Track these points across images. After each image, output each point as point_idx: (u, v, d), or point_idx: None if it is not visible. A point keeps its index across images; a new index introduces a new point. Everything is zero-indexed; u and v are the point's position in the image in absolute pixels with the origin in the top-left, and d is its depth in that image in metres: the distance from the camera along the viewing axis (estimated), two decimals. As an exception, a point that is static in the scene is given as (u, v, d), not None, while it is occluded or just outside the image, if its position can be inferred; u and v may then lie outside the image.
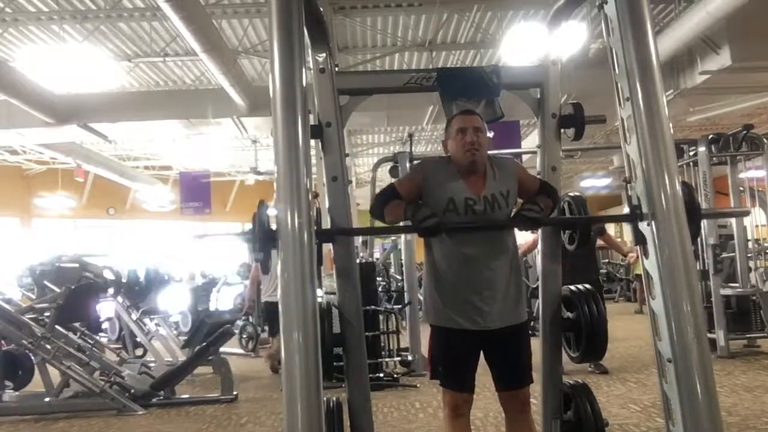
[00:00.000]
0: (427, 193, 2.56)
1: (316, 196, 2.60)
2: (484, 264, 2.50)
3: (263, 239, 2.01)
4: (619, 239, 20.46)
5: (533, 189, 2.63)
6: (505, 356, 2.57)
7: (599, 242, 6.98)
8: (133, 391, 5.60)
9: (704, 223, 6.77)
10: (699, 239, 6.75)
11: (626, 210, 2.28)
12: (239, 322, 9.09)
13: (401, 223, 2.60)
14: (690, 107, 10.05)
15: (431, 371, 2.66)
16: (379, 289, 8.30)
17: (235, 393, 5.77)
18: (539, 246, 2.95)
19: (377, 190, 9.06)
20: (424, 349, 6.01)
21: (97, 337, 7.49)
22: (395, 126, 12.80)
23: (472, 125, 2.55)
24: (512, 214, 2.59)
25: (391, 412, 5.07)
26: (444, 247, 2.55)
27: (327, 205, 2.72)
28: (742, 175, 7.00)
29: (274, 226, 1.99)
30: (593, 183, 19.16)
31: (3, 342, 6.12)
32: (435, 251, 2.59)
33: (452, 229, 2.49)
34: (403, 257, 7.81)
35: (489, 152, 2.64)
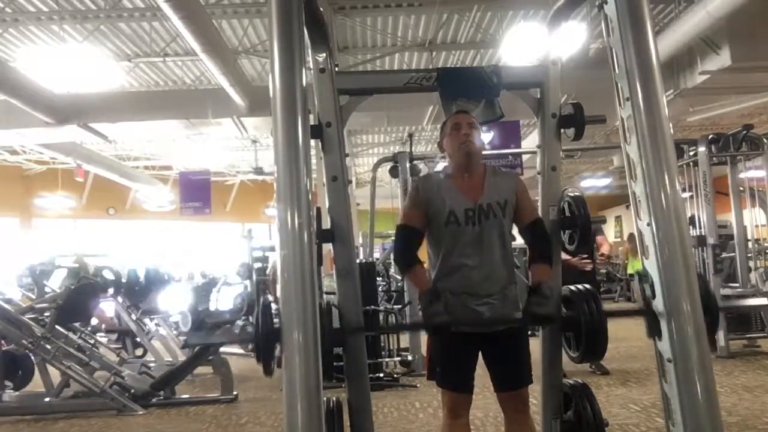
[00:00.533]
0: (431, 210, 2.60)
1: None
2: (484, 272, 2.53)
3: (267, 341, 1.95)
4: (618, 239, 20.50)
5: (525, 218, 2.63)
6: (504, 357, 2.58)
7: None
8: (133, 391, 5.60)
9: (704, 222, 6.79)
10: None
11: (631, 211, 2.27)
12: (239, 322, 9.08)
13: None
14: (690, 107, 10.04)
15: (429, 372, 2.67)
16: (379, 289, 8.30)
17: (235, 393, 5.77)
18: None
19: (377, 191, 9.10)
20: (424, 349, 6.01)
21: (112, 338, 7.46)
22: (395, 126, 12.80)
23: (465, 121, 2.62)
24: (510, 227, 2.62)
25: (391, 412, 5.07)
26: (444, 250, 2.57)
27: (327, 205, 2.72)
28: (742, 175, 7.00)
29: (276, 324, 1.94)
30: (593, 183, 19.14)
31: (3, 342, 6.11)
32: (433, 254, 2.62)
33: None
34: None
35: (492, 160, 2.65)
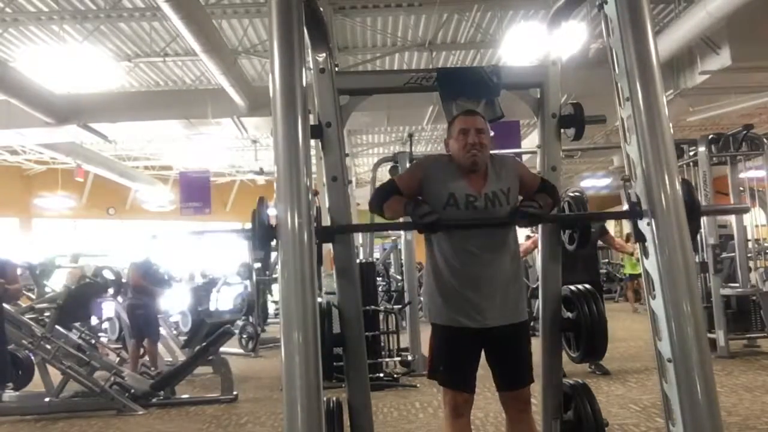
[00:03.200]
0: (427, 189, 2.55)
1: (315, 193, 2.59)
2: (485, 261, 2.50)
3: (263, 237, 2.01)
4: (618, 239, 20.47)
5: (533, 187, 2.62)
6: (506, 356, 2.57)
7: (599, 243, 6.97)
8: (133, 391, 5.60)
9: (704, 222, 6.79)
10: (699, 238, 6.76)
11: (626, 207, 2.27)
12: (239, 322, 9.09)
13: (401, 219, 2.59)
14: (690, 107, 10.03)
15: (430, 370, 2.66)
16: (380, 289, 8.30)
17: (235, 393, 5.77)
18: (539, 246, 2.95)
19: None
20: (425, 349, 6.01)
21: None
22: (395, 126, 12.79)
23: (474, 126, 2.54)
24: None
25: (391, 412, 5.07)
26: (444, 244, 2.54)
27: (327, 204, 2.72)
28: (742, 175, 7.00)
29: (274, 223, 1.99)
30: (593, 183, 19.14)
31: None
32: (435, 249, 2.58)
33: (452, 225, 2.48)
34: (403, 257, 7.81)
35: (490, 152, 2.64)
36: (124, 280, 7.81)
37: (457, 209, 2.50)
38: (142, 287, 7.13)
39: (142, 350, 7.98)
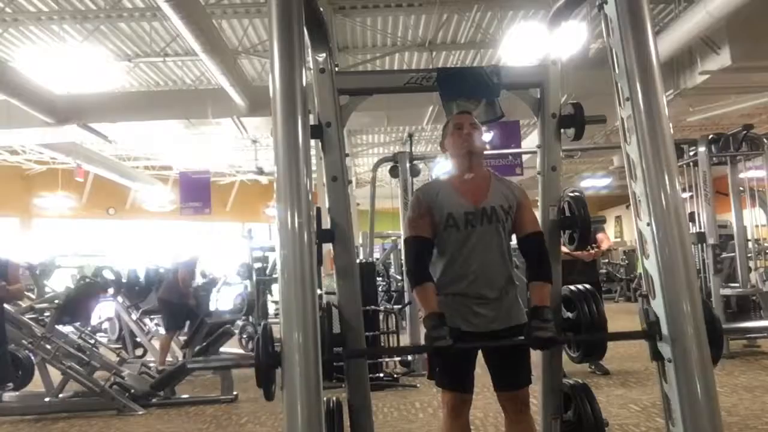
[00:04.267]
0: (433, 216, 2.58)
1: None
2: (482, 269, 2.53)
3: (267, 367, 1.94)
4: (618, 239, 20.51)
5: (525, 228, 2.60)
6: (504, 357, 2.58)
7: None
8: (133, 391, 5.60)
9: (704, 222, 6.79)
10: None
11: (631, 211, 2.27)
12: (239, 322, 9.09)
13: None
14: (690, 107, 10.04)
15: (429, 371, 2.67)
16: (379, 289, 8.30)
17: (235, 393, 5.77)
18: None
19: (377, 191, 9.09)
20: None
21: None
22: (395, 126, 12.80)
23: (467, 121, 2.65)
24: (511, 234, 2.61)
25: (391, 412, 5.07)
26: (444, 253, 2.58)
27: (327, 205, 2.72)
28: (742, 175, 7.00)
29: (278, 348, 1.92)
30: (593, 183, 19.15)
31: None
32: (435, 259, 2.62)
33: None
34: (403, 257, 7.81)
35: (492, 160, 2.65)
36: (124, 280, 7.84)
37: (458, 230, 2.54)
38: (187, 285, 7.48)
39: (142, 350, 8.02)
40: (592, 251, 6.15)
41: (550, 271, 2.60)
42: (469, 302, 2.53)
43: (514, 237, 2.69)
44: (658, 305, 2.11)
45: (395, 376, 6.26)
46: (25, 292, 8.54)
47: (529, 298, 2.54)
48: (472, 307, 2.52)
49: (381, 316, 6.62)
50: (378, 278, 8.40)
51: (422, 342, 2.52)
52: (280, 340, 1.91)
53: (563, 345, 2.86)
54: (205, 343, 6.06)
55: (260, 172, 14.27)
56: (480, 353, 2.61)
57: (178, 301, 7.39)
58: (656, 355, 2.16)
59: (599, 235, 6.64)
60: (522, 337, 2.46)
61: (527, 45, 7.40)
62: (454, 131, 2.64)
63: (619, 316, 11.21)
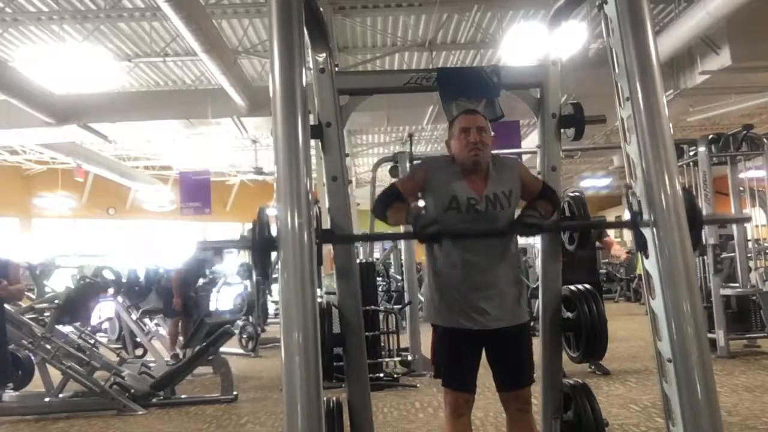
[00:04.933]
0: (429, 191, 2.56)
1: (316, 202, 2.59)
2: (485, 265, 2.51)
3: (263, 246, 1.99)
4: (618, 240, 20.52)
5: (535, 190, 2.62)
6: (507, 356, 2.58)
7: (597, 243, 6.97)
8: (133, 391, 5.60)
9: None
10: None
11: (627, 215, 2.26)
12: (239, 322, 9.09)
13: (401, 229, 2.58)
14: (690, 107, 10.04)
15: (435, 370, 2.67)
16: (379, 289, 8.29)
17: (235, 393, 5.77)
18: (539, 246, 2.95)
19: (377, 191, 9.07)
20: (425, 349, 6.01)
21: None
22: (395, 126, 12.80)
23: (475, 125, 2.54)
24: (514, 215, 2.59)
25: (391, 412, 5.07)
26: (445, 248, 2.55)
27: (327, 205, 2.72)
28: (742, 175, 7.00)
29: (274, 231, 1.97)
30: (593, 183, 19.16)
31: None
32: (435, 252, 2.59)
33: (454, 236, 2.49)
34: (403, 257, 7.81)
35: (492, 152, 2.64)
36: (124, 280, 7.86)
37: (459, 212, 2.51)
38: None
39: (142, 350, 8.02)
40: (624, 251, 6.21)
41: (558, 202, 2.67)
42: (471, 296, 2.50)
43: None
44: (658, 305, 2.11)
45: (395, 376, 6.25)
46: (26, 293, 8.57)
47: (530, 309, 2.55)
48: (473, 302, 2.49)
49: (381, 316, 6.62)
50: (378, 278, 8.38)
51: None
52: (280, 336, 1.91)
53: (562, 339, 2.85)
54: (205, 343, 6.06)
55: (259, 171, 14.28)
56: (483, 353, 2.60)
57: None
58: (640, 245, 2.16)
59: (606, 239, 6.66)
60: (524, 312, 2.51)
61: (527, 45, 7.40)
62: (460, 134, 2.55)
63: (620, 317, 11.23)
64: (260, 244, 2.00)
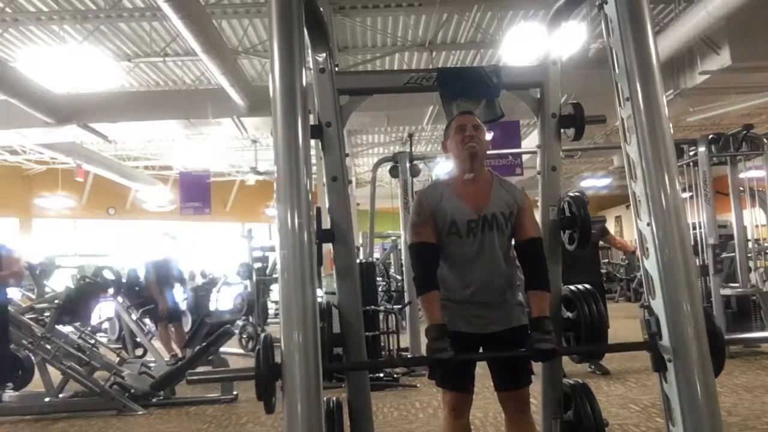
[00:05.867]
0: (436, 220, 2.57)
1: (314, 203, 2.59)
2: (483, 270, 2.54)
3: (267, 378, 1.95)
4: (619, 238, 20.52)
5: (525, 234, 2.57)
6: (505, 357, 2.58)
7: (600, 243, 6.98)
8: (133, 391, 5.60)
9: (704, 222, 6.79)
10: (699, 239, 6.77)
11: (631, 211, 2.27)
12: (239, 322, 9.09)
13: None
14: (690, 107, 10.03)
15: (430, 371, 2.68)
16: (379, 289, 8.30)
17: (235, 393, 5.77)
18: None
19: (377, 191, 9.09)
20: (425, 349, 6.01)
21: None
22: (395, 126, 12.80)
23: (470, 122, 2.59)
24: (512, 240, 2.60)
25: (391, 412, 5.07)
26: (445, 259, 2.58)
27: (327, 205, 2.72)
28: (742, 175, 7.00)
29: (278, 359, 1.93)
30: (593, 183, 19.14)
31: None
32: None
33: (460, 363, 2.48)
34: (403, 257, 7.81)
35: (492, 160, 2.65)
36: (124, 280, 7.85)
37: (459, 237, 2.53)
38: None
39: (142, 350, 8.02)
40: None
41: (548, 279, 2.58)
42: (472, 308, 2.54)
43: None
44: (658, 305, 2.11)
45: (395, 376, 6.25)
46: (25, 293, 8.57)
47: (528, 309, 2.54)
48: (472, 309, 2.54)
49: (381, 316, 6.62)
50: (378, 278, 8.39)
51: (423, 350, 2.51)
52: (280, 342, 1.91)
53: (562, 339, 2.85)
54: (205, 343, 6.05)
55: (256, 172, 14.28)
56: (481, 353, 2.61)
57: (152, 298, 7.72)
58: (658, 366, 2.12)
59: (609, 237, 6.67)
60: (523, 349, 2.46)
61: (527, 45, 7.40)
62: (457, 132, 2.59)
63: (619, 316, 11.22)
64: (265, 372, 1.94)
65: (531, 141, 10.00)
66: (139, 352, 8.03)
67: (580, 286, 2.86)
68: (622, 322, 10.15)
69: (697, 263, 6.50)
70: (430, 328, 2.43)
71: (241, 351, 8.80)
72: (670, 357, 2.05)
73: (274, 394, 1.97)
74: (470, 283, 2.54)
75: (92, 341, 6.64)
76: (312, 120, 2.50)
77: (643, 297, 2.19)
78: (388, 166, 7.52)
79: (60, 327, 6.37)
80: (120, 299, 7.86)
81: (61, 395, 5.58)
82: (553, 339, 2.44)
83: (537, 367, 2.73)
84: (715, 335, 2.13)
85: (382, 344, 6.46)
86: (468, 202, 2.55)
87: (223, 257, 15.32)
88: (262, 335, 2.06)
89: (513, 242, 2.64)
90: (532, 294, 2.52)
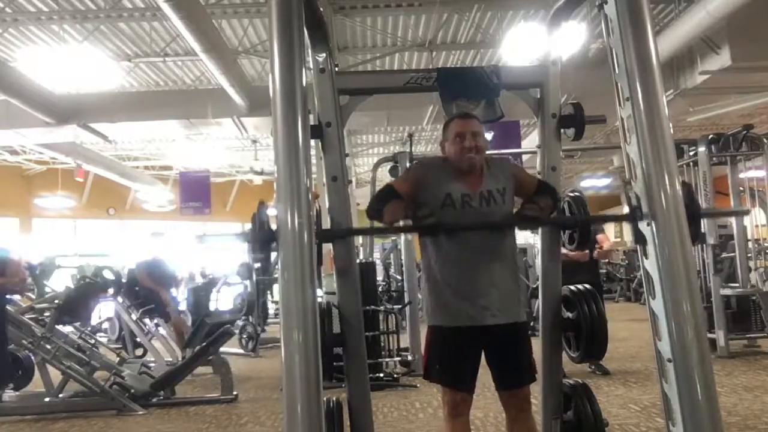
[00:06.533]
0: (424, 191, 2.58)
1: (316, 197, 2.59)
2: (482, 260, 2.52)
3: (263, 239, 2.01)
4: (618, 239, 20.54)
5: (531, 188, 2.66)
6: (505, 355, 2.58)
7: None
8: (133, 391, 5.60)
9: (704, 222, 6.79)
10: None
11: (626, 210, 2.27)
12: (239, 322, 9.09)
13: (401, 222, 2.56)
14: (690, 107, 10.04)
15: (425, 370, 2.67)
16: (379, 289, 8.30)
17: (235, 393, 5.77)
18: (539, 246, 2.95)
19: (377, 191, 9.08)
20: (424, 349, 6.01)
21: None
22: (395, 126, 12.80)
23: (470, 129, 2.57)
24: (511, 213, 2.60)
25: (391, 412, 5.07)
26: (442, 244, 2.56)
27: (327, 205, 2.72)
28: (742, 175, 7.00)
29: (273, 227, 1.98)
30: (593, 183, 19.14)
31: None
32: (432, 249, 2.61)
33: (453, 226, 2.51)
34: (403, 257, 7.81)
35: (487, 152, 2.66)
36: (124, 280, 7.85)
37: (454, 209, 2.53)
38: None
39: (142, 350, 8.02)
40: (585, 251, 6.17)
41: (557, 197, 2.70)
42: (471, 294, 2.50)
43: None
44: (658, 306, 2.11)
45: (395, 376, 6.25)
46: (27, 291, 8.56)
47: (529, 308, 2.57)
48: (470, 299, 2.51)
49: (381, 316, 6.62)
50: (378, 278, 8.39)
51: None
52: (280, 336, 1.91)
53: (562, 339, 2.85)
54: (205, 343, 6.06)
55: (256, 172, 14.27)
56: (483, 354, 2.60)
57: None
58: (639, 239, 2.16)
59: (599, 236, 6.65)
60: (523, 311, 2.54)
61: (527, 45, 7.40)
62: (455, 139, 2.57)
63: (619, 316, 11.22)
64: (260, 237, 2.01)
65: (531, 141, 9.99)
66: (139, 352, 8.04)
67: (580, 286, 2.86)
68: (623, 323, 10.17)
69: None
70: (407, 206, 2.49)
71: (241, 351, 8.81)
72: (670, 357, 2.05)
73: (269, 254, 2.06)
74: (465, 254, 2.51)
75: (92, 341, 6.64)
76: (312, 120, 2.50)
77: (638, 258, 2.22)
78: (388, 166, 7.51)
79: (60, 327, 6.37)
80: (120, 299, 7.86)
81: (61, 395, 5.58)
82: (540, 211, 2.53)
83: (538, 367, 2.73)
84: (692, 201, 2.21)
85: (382, 344, 6.46)
86: (462, 181, 2.57)
87: (223, 257, 15.32)
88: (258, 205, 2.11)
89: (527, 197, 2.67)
90: (537, 194, 2.63)
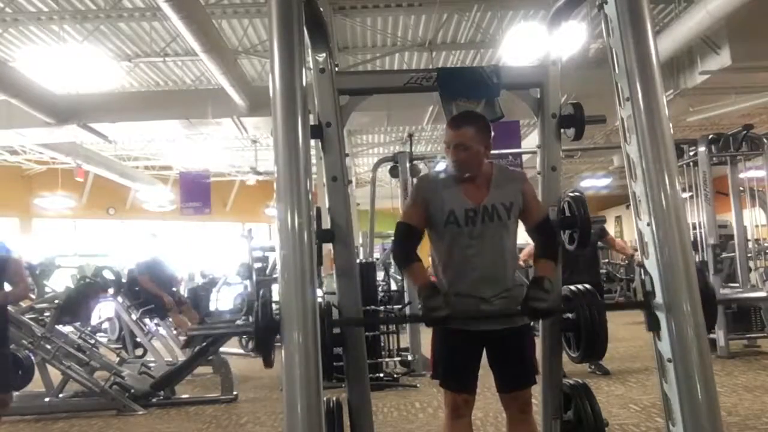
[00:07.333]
0: (431, 210, 2.57)
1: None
2: (485, 267, 2.52)
3: (266, 333, 1.98)
4: (619, 239, 20.52)
5: (534, 217, 2.61)
6: (507, 357, 2.58)
7: (599, 244, 6.96)
8: (133, 391, 5.60)
9: (704, 222, 6.79)
10: (699, 239, 6.77)
11: (631, 211, 2.27)
12: (239, 322, 9.08)
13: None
14: (690, 107, 10.05)
15: (433, 371, 2.67)
16: (379, 289, 8.29)
17: (235, 393, 5.77)
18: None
19: (377, 191, 9.10)
20: (425, 349, 6.01)
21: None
22: (395, 126, 12.80)
23: (454, 142, 2.52)
24: (516, 230, 2.60)
25: (391, 412, 5.07)
26: (445, 251, 2.57)
27: (327, 205, 2.72)
28: (742, 175, 7.00)
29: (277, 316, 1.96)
30: (593, 183, 19.13)
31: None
32: (436, 254, 2.62)
33: (460, 319, 2.51)
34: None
35: (493, 160, 2.64)
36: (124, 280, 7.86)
37: (457, 227, 2.52)
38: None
39: (142, 350, 8.02)
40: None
41: (557, 251, 2.64)
42: (471, 302, 2.52)
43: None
44: (658, 305, 2.11)
45: (395, 376, 6.25)
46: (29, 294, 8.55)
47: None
48: (475, 304, 2.51)
49: (381, 316, 6.61)
50: (378, 278, 8.38)
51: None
52: (280, 336, 1.91)
53: (562, 339, 2.85)
54: (204, 343, 6.06)
55: (256, 172, 14.28)
56: (483, 353, 2.60)
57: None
58: (652, 326, 2.16)
59: (608, 238, 6.67)
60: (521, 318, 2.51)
61: (527, 45, 7.40)
62: (447, 149, 2.59)
63: (620, 316, 11.20)
64: (264, 326, 1.99)
65: (531, 141, 9.99)
66: (139, 352, 8.03)
67: (580, 286, 2.85)
68: (623, 323, 10.16)
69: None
70: (422, 288, 2.47)
71: (241, 351, 8.80)
72: (670, 357, 2.05)
73: (272, 348, 2.02)
74: (469, 272, 2.52)
75: (92, 341, 6.64)
76: (312, 120, 2.49)
77: (637, 255, 2.21)
78: (388, 166, 7.52)
79: (60, 327, 6.37)
80: (120, 299, 7.85)
81: (61, 395, 5.58)
82: (550, 299, 2.49)
83: (538, 367, 2.73)
84: (708, 293, 2.18)
85: (382, 344, 6.46)
86: (467, 194, 2.55)
87: (223, 257, 15.33)
88: (261, 291, 2.08)
89: (525, 227, 2.65)
90: (539, 260, 2.60)
